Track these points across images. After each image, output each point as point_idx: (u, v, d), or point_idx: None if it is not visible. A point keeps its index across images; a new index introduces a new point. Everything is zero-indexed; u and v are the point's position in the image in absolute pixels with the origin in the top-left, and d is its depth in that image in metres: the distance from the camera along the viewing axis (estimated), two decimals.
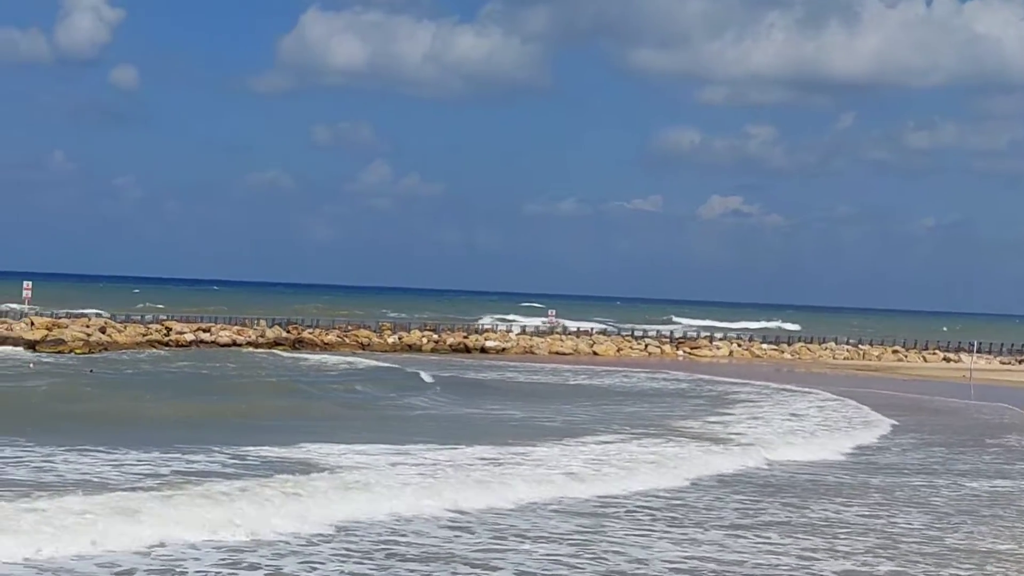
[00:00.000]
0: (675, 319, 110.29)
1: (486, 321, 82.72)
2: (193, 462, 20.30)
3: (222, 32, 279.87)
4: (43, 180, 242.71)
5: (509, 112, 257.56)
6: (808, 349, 73.20)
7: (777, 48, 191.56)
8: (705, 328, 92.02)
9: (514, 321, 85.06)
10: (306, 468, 19.79)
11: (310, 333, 62.52)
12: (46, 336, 52.47)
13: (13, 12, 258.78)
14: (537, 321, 79.48)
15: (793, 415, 33.57)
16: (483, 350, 62.90)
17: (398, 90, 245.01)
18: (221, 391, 34.76)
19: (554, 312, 77.50)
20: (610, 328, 78.77)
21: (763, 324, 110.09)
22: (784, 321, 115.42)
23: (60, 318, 58.06)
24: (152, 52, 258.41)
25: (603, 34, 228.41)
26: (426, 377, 41.93)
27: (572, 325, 75.90)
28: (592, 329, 75.35)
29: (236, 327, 61.74)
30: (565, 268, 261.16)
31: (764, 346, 73.02)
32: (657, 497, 19.25)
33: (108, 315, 63.36)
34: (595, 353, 65.27)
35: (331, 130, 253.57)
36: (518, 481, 19.44)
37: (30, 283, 62.22)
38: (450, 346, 62.94)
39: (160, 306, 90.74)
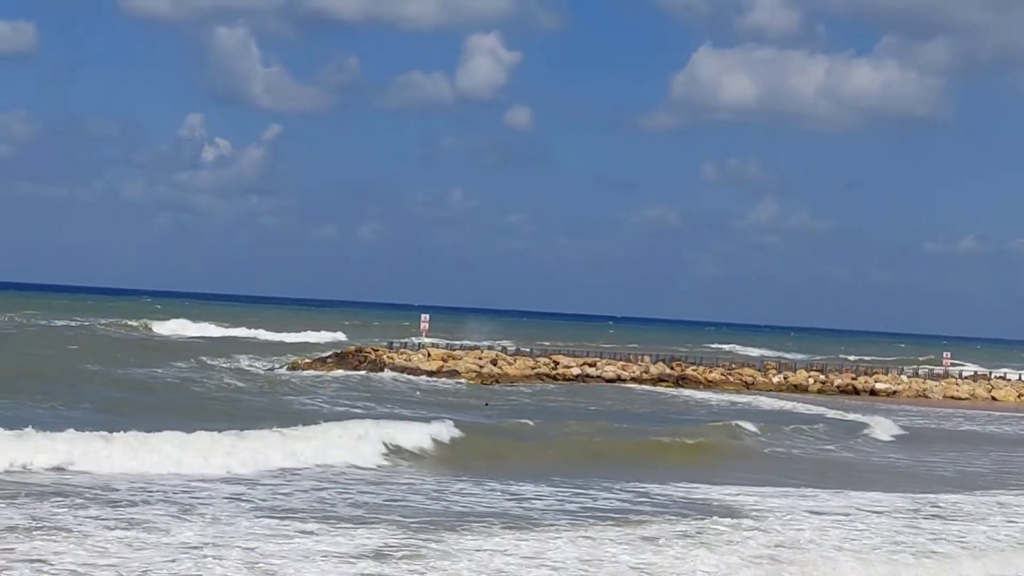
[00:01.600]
0: None
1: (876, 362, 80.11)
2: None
3: (613, 71, 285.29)
4: (443, 217, 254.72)
5: (906, 146, 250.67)
6: None
7: None
8: None
9: (910, 364, 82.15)
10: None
11: (693, 370, 62.33)
12: (441, 367, 54.65)
13: (420, 58, 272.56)
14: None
15: None
16: (872, 392, 60.96)
17: (789, 125, 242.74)
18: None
19: (948, 355, 74.34)
20: (1011, 373, 74.80)
21: None
22: None
23: (455, 350, 60.32)
24: (546, 93, 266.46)
25: (1008, 65, 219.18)
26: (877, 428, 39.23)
27: (968, 368, 72.55)
28: (990, 373, 71.74)
29: (621, 362, 62.28)
30: (963, 307, 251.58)
31: None
32: None
33: (499, 348, 65.34)
34: (993, 399, 62.07)
35: (720, 166, 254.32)
36: None
37: (427, 316, 65.08)
38: (837, 387, 61.27)
39: (544, 343, 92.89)
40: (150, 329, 79.45)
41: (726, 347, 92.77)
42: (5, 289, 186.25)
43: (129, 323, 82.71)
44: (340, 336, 79.51)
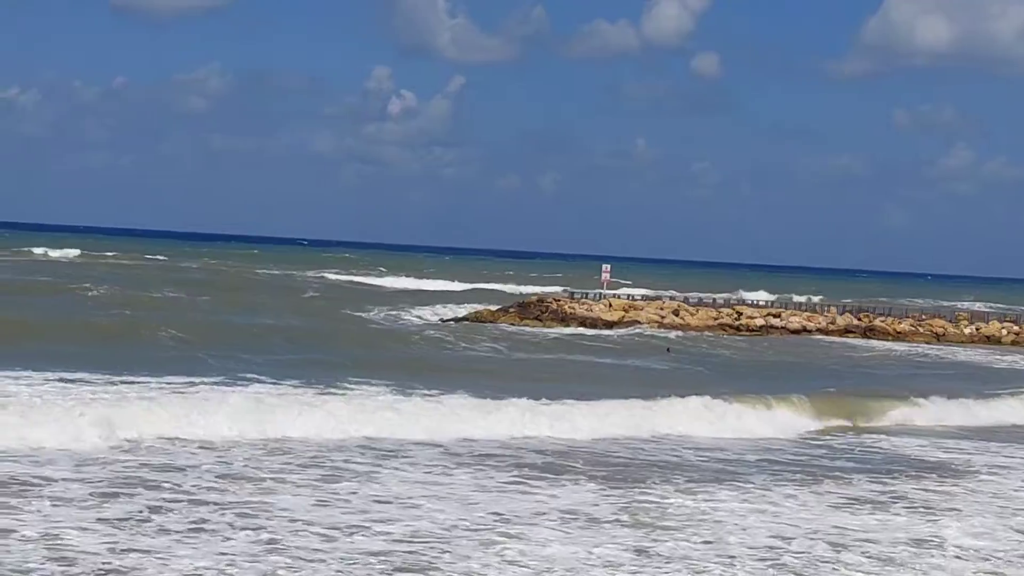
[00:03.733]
0: None
1: None
2: None
3: (803, 17, 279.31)
4: (626, 167, 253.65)
5: None
6: None
7: None
8: None
9: None
10: None
11: (882, 321, 60.89)
12: (622, 318, 54.44)
13: (605, 5, 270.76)
14: None
15: None
16: None
17: (987, 70, 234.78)
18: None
19: None
20: None
21: None
22: None
23: (636, 300, 60.00)
24: (733, 39, 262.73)
25: None
26: None
27: None
28: None
29: (806, 313, 61.23)
30: None
31: None
32: None
33: (682, 298, 64.74)
34: None
35: (911, 113, 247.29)
36: None
37: (608, 266, 64.85)
38: None
39: (714, 294, 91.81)
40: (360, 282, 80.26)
41: (920, 301, 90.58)
42: (199, 240, 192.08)
43: (326, 275, 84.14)
44: (521, 287, 79.81)
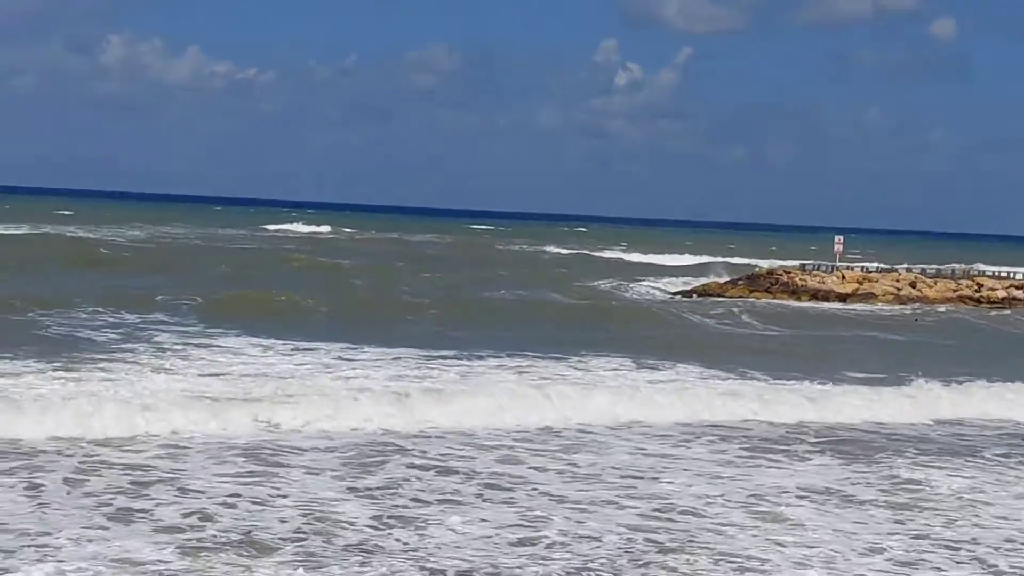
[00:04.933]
0: None
1: None
2: None
3: None
4: (858, 136, 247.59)
5: None
6: None
7: None
8: None
9: None
10: None
11: None
12: (856, 290, 53.24)
13: None
14: None
15: None
16: None
17: None
18: None
19: None
20: None
21: None
22: None
23: (870, 272, 58.59)
24: (970, 3, 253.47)
25: None
26: None
27: None
28: None
29: None
30: None
31: None
32: None
33: (918, 270, 62.93)
34: None
35: None
36: None
37: (841, 238, 63.47)
38: None
39: (957, 265, 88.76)
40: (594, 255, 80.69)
41: None
42: (428, 215, 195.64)
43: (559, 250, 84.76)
44: (746, 259, 78.83)
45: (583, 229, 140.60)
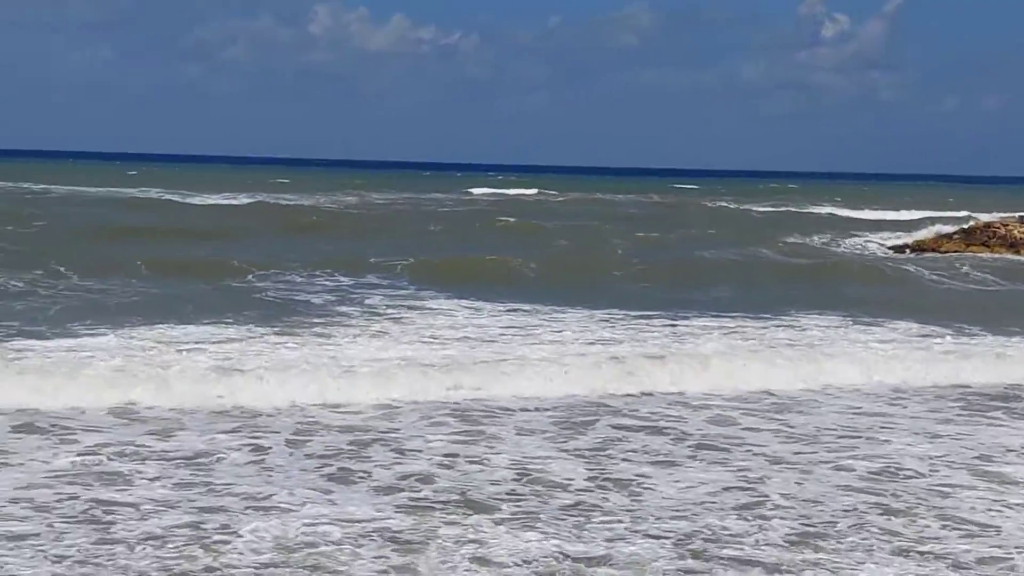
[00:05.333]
0: None
1: None
2: None
3: None
4: None
5: None
6: None
7: None
8: None
9: None
10: None
11: None
12: None
13: None
14: None
15: None
16: None
17: None
18: None
19: None
20: None
21: None
22: None
23: None
24: None
25: None
26: None
27: None
28: None
29: None
30: None
31: None
32: None
33: None
34: None
35: None
36: None
37: None
38: None
39: None
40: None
41: None
42: (633, 175, 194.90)
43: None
44: (961, 212, 76.24)
45: (792, 185, 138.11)
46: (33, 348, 18.42)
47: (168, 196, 63.93)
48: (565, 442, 14.44)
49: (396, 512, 11.42)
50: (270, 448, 13.65)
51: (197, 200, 61.80)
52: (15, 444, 13.49)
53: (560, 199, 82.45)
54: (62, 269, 28.29)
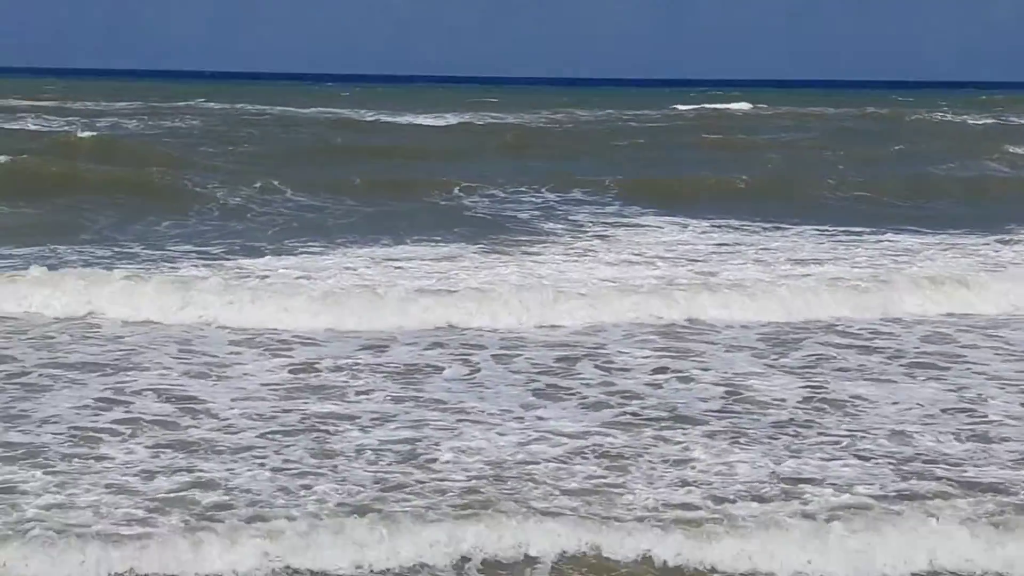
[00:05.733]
0: None
1: None
2: None
3: None
4: None
5: None
6: None
7: None
8: None
9: None
10: None
11: None
12: None
13: None
14: None
15: None
16: None
17: None
18: None
19: None
20: None
21: None
22: None
23: None
24: None
25: None
26: None
27: None
28: None
29: None
30: None
31: None
32: None
33: None
34: None
35: None
36: None
37: None
38: None
39: None
40: None
41: None
42: (848, 87, 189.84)
43: None
44: None
45: (999, 96, 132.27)
46: (252, 266, 19.01)
47: (379, 117, 64.95)
48: (776, 359, 14.23)
49: (606, 428, 11.43)
50: (479, 364, 13.80)
51: (407, 120, 62.70)
52: (233, 358, 13.94)
53: (771, 113, 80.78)
54: (277, 183, 29.09)
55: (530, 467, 10.30)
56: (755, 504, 9.53)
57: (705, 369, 13.65)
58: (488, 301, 16.49)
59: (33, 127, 47.76)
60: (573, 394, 12.62)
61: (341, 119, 61.79)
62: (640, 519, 9.17)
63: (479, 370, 13.55)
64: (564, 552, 8.82)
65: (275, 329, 15.29)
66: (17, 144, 35.19)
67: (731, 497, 9.68)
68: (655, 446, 10.90)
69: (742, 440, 11.10)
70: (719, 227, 24.85)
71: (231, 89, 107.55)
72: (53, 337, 14.62)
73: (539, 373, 13.47)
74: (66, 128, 45.57)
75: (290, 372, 13.33)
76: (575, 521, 9.07)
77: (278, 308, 15.86)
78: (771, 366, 13.88)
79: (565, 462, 10.46)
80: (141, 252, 20.34)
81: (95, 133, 42.05)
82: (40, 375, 12.88)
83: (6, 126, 47.68)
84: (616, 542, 8.87)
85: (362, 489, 9.73)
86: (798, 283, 18.28)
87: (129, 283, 16.36)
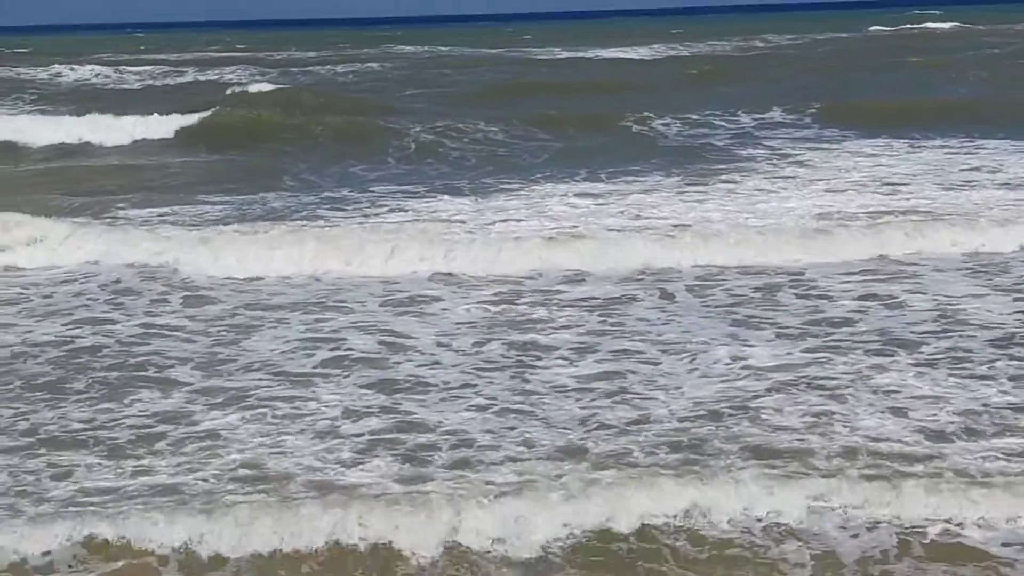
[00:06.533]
0: None
1: None
2: None
3: None
4: None
5: None
6: None
7: None
8: None
9: None
10: None
11: None
12: None
13: None
14: None
15: None
16: None
17: None
18: None
19: None
20: None
21: None
22: None
23: None
24: None
25: None
26: None
27: None
28: None
29: None
30: None
31: None
32: None
33: None
34: None
35: None
36: None
37: None
38: None
39: None
40: None
41: None
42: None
43: None
44: None
45: None
46: (451, 205, 19.06)
47: (569, 53, 64.67)
48: (990, 280, 13.68)
49: (812, 355, 11.15)
50: (674, 296, 13.58)
51: (598, 54, 62.31)
52: (430, 293, 13.96)
53: (979, 29, 77.74)
54: (478, 123, 29.07)
55: (739, 400, 10.06)
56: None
57: (915, 293, 13.20)
58: (679, 234, 16.08)
59: (230, 77, 48.91)
60: (771, 324, 12.26)
61: (529, 58, 61.70)
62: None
63: (677, 302, 13.28)
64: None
65: (464, 270, 14.96)
66: (215, 97, 35.94)
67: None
68: (867, 373, 10.56)
69: (957, 367, 10.65)
70: (919, 147, 24.02)
71: (417, 33, 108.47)
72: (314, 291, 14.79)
73: (739, 303, 13.13)
74: (264, 81, 46.28)
75: (491, 306, 13.24)
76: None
77: (467, 243, 15.59)
78: (987, 286, 13.35)
79: (777, 392, 10.16)
80: (347, 195, 20.52)
81: (283, 85, 42.36)
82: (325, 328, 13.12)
83: (212, 79, 49.01)
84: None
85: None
86: (1011, 205, 17.49)
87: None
